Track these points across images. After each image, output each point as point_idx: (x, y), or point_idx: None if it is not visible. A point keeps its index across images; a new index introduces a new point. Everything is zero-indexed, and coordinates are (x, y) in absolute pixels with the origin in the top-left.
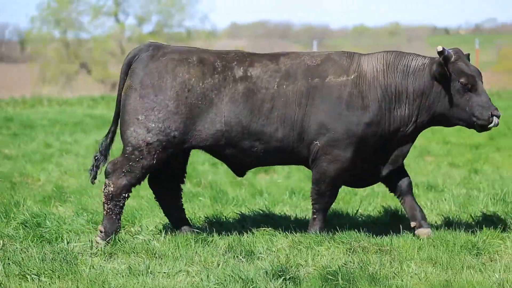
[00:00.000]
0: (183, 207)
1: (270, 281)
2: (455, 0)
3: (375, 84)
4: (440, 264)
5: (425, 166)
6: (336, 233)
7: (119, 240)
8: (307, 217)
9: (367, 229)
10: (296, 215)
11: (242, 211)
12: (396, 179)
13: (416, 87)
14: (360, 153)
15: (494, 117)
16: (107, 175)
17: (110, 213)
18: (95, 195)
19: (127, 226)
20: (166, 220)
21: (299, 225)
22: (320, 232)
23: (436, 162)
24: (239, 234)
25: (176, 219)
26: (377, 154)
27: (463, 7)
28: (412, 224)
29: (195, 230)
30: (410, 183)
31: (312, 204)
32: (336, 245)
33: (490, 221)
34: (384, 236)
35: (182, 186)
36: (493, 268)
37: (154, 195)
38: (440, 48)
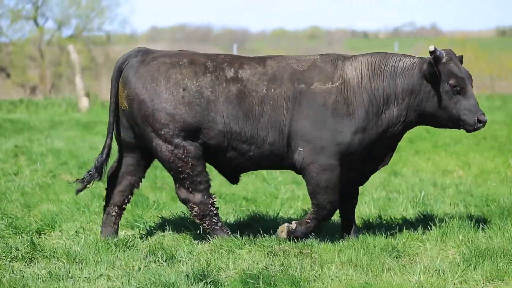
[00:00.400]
0: (123, 210)
1: (191, 284)
2: (374, 4)
3: (361, 89)
4: (360, 267)
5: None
6: (257, 236)
7: (39, 245)
8: (228, 220)
9: None
10: None
11: (163, 215)
12: (350, 192)
13: (405, 87)
14: (348, 162)
15: (479, 122)
16: (184, 202)
17: (212, 226)
18: (14, 200)
19: (47, 231)
20: (87, 225)
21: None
22: (301, 236)
23: None
24: (160, 238)
25: (113, 218)
26: (364, 159)
27: (382, 11)
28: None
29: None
30: (356, 200)
31: (311, 211)
32: (257, 248)
33: (409, 223)
34: (304, 239)
35: (135, 190)
36: (413, 270)
37: (106, 186)
38: (432, 48)
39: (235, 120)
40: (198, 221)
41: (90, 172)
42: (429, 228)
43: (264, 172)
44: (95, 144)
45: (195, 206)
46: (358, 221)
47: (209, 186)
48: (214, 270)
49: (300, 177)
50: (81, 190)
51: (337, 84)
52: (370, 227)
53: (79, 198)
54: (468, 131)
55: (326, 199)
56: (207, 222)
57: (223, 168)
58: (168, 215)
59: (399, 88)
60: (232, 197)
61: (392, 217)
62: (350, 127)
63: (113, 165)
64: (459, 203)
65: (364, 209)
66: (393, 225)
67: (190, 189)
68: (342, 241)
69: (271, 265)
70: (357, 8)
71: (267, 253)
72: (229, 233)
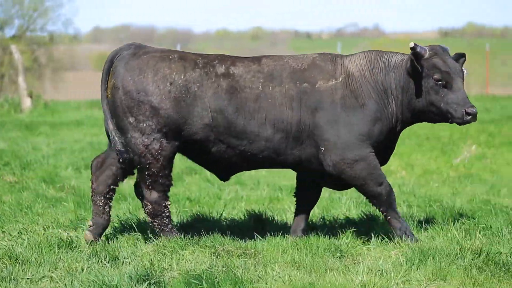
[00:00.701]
0: (110, 206)
1: (135, 286)
2: (317, 5)
3: (365, 81)
4: (303, 267)
5: (289, 170)
6: (201, 237)
7: None
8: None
9: (232, 233)
10: None
11: None
12: (311, 192)
13: (397, 83)
14: (375, 145)
15: (467, 115)
16: (139, 197)
17: (162, 227)
18: None
19: None
20: (30, 226)
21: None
22: (406, 232)
23: None
24: (103, 239)
25: (100, 208)
26: (384, 149)
27: (325, 12)
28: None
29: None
30: (315, 202)
31: (378, 210)
32: (201, 249)
33: (352, 224)
34: (248, 239)
35: (119, 184)
36: (356, 270)
37: (91, 177)
38: (412, 44)
39: (223, 114)
40: (149, 218)
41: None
42: (372, 229)
43: (207, 173)
44: (38, 145)
45: (149, 204)
46: None
47: (168, 189)
48: (158, 271)
49: (243, 177)
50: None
51: (340, 79)
52: (313, 227)
53: (22, 199)
54: (458, 124)
55: (373, 186)
56: (157, 222)
57: (214, 163)
58: (112, 216)
59: (393, 85)
60: (176, 197)
61: (335, 218)
62: (364, 118)
63: (99, 155)
64: (402, 203)
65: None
66: (336, 226)
67: (150, 187)
68: (285, 242)
69: (215, 265)
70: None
71: (211, 254)
72: (178, 236)
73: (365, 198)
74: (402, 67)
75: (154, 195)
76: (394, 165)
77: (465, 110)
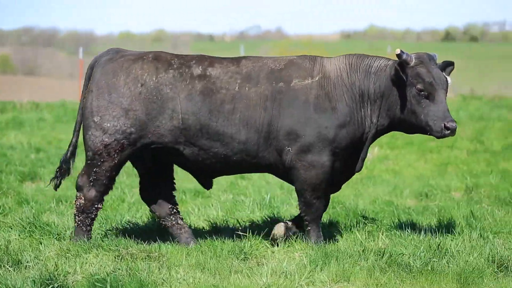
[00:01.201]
0: (179, 213)
1: None
2: (220, 8)
3: (340, 83)
4: (208, 269)
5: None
6: (104, 240)
7: None
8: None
9: (136, 236)
10: (63, 222)
11: (8, 221)
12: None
13: (377, 88)
14: (336, 157)
15: (446, 129)
16: (77, 188)
17: (81, 225)
18: None
19: None
20: None
21: (67, 233)
22: (317, 244)
23: None
24: (5, 243)
25: (173, 227)
26: (350, 156)
27: (228, 15)
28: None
29: (192, 236)
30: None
31: (302, 216)
32: (105, 252)
33: (256, 226)
34: (152, 242)
35: (174, 193)
36: (260, 272)
37: (148, 207)
38: (398, 51)
39: (195, 116)
40: (75, 211)
41: (56, 171)
42: None
43: None
44: None
45: (82, 199)
46: (204, 224)
47: (107, 192)
48: (61, 275)
49: None
50: (57, 186)
51: (317, 78)
52: (218, 230)
53: None
54: (436, 137)
55: (313, 195)
56: (80, 218)
57: (191, 169)
58: (13, 220)
59: (371, 89)
60: None
61: (240, 220)
62: (333, 121)
63: (142, 188)
64: None
65: (212, 212)
66: (240, 228)
67: (92, 183)
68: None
69: (119, 269)
70: (203, 11)
71: (115, 257)
72: (87, 240)
73: (299, 203)
74: (384, 72)
75: (92, 192)
76: None
77: (444, 124)
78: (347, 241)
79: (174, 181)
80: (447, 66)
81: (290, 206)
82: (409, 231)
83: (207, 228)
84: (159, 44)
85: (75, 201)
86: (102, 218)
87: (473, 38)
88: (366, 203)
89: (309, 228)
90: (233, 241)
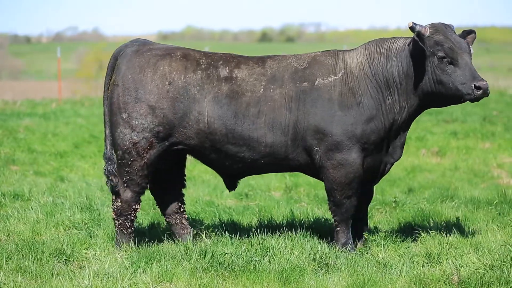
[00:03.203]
0: (185, 212)
1: None
2: (36, 9)
3: (363, 76)
4: (29, 273)
5: (11, 175)
6: None
7: None
8: None
9: None
10: None
11: None
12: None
13: (400, 69)
14: (366, 153)
15: (478, 89)
16: (112, 191)
17: (121, 228)
18: None
19: None
20: None
21: None
22: (346, 247)
23: (22, 170)
24: None
25: (177, 225)
26: (379, 153)
27: (44, 15)
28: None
29: (195, 235)
30: (370, 199)
31: (332, 216)
32: None
33: (77, 228)
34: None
35: (183, 190)
36: (82, 274)
37: (155, 201)
38: (410, 24)
39: (221, 120)
40: (113, 215)
41: (105, 169)
42: (97, 234)
43: None
44: None
45: (119, 201)
46: (24, 227)
47: (143, 192)
48: None
49: None
50: (115, 185)
51: (340, 75)
52: (38, 233)
53: None
54: (470, 100)
55: (343, 194)
56: (120, 221)
57: (218, 171)
58: None
59: (395, 72)
60: None
61: (60, 222)
62: (359, 117)
63: (154, 187)
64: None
65: (32, 215)
66: (61, 230)
67: (126, 185)
68: (10, 248)
69: None
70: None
71: None
72: (131, 244)
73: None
74: (404, 51)
75: (128, 194)
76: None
77: (474, 84)
78: (170, 242)
79: (185, 177)
80: (468, 34)
81: (110, 207)
82: (231, 231)
83: (28, 231)
84: None
85: (112, 204)
86: None
87: (290, 39)
88: (187, 204)
89: (338, 229)
90: (55, 244)
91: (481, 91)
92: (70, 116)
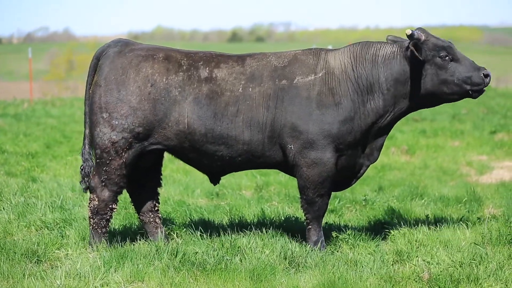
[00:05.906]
0: (159, 211)
1: None
2: (7, 10)
3: (345, 78)
4: (1, 274)
5: None
6: None
7: None
8: None
9: None
10: None
11: None
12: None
13: (389, 76)
14: (341, 153)
15: (486, 77)
16: (90, 190)
17: (96, 227)
18: None
19: None
20: None
21: None
22: (317, 245)
23: None
24: None
25: (150, 224)
26: (354, 154)
27: (15, 16)
28: None
29: (167, 236)
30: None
31: (304, 214)
32: None
33: (49, 228)
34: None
35: (159, 189)
36: (55, 275)
37: (130, 198)
38: (409, 32)
39: (201, 121)
40: (89, 213)
41: (81, 167)
42: (69, 235)
43: None
44: None
45: (96, 200)
46: None
47: (121, 192)
48: None
49: None
50: (87, 188)
51: (320, 75)
52: (10, 233)
53: None
54: (480, 91)
55: (315, 193)
56: (95, 220)
57: (198, 169)
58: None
59: (382, 78)
60: None
61: (32, 222)
62: (337, 117)
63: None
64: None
65: (3, 216)
66: (33, 230)
67: (104, 184)
68: None
69: None
70: None
71: None
72: (104, 243)
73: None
74: (394, 59)
75: (105, 193)
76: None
77: (483, 73)
78: (142, 241)
79: (162, 176)
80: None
81: (82, 207)
82: (202, 230)
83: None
84: None
85: (89, 203)
86: None
87: (260, 38)
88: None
89: (310, 227)
90: (27, 244)
91: (488, 78)
92: (41, 117)
